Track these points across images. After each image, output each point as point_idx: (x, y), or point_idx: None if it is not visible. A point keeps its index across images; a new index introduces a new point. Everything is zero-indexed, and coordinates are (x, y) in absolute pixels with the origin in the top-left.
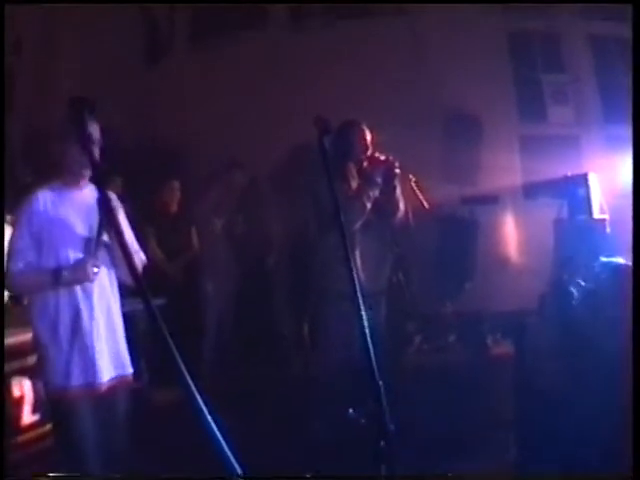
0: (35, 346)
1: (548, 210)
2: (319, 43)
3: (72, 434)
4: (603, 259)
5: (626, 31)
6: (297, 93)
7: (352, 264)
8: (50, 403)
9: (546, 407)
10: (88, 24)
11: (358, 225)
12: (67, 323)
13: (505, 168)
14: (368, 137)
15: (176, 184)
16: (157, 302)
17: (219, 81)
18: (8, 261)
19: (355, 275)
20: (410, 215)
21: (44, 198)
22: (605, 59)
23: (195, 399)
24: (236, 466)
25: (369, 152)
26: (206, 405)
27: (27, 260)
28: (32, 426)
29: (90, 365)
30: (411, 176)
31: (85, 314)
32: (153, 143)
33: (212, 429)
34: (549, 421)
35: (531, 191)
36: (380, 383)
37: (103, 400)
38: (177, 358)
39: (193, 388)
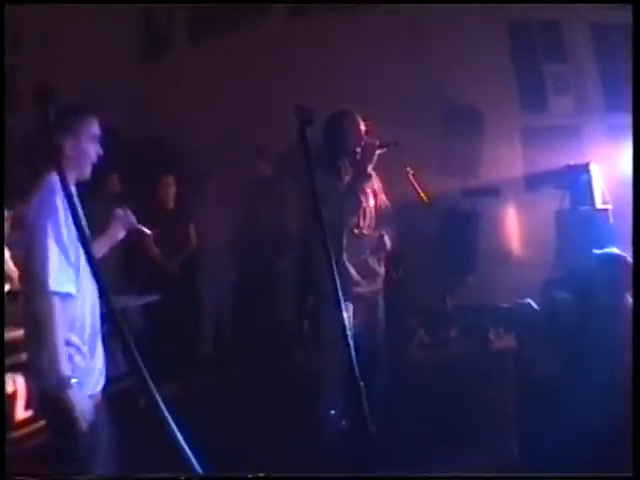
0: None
1: (550, 201)
2: (318, 35)
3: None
4: (596, 251)
5: (627, 18)
6: (296, 86)
7: (333, 263)
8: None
9: (548, 401)
10: (87, 20)
11: (354, 222)
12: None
13: (506, 160)
14: (361, 127)
15: (170, 179)
16: (151, 298)
17: (217, 76)
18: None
19: (336, 275)
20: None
21: (61, 198)
22: (606, 47)
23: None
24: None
25: (362, 142)
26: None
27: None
28: (25, 422)
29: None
30: (409, 168)
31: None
32: (150, 139)
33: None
34: (551, 415)
35: (533, 182)
36: (361, 384)
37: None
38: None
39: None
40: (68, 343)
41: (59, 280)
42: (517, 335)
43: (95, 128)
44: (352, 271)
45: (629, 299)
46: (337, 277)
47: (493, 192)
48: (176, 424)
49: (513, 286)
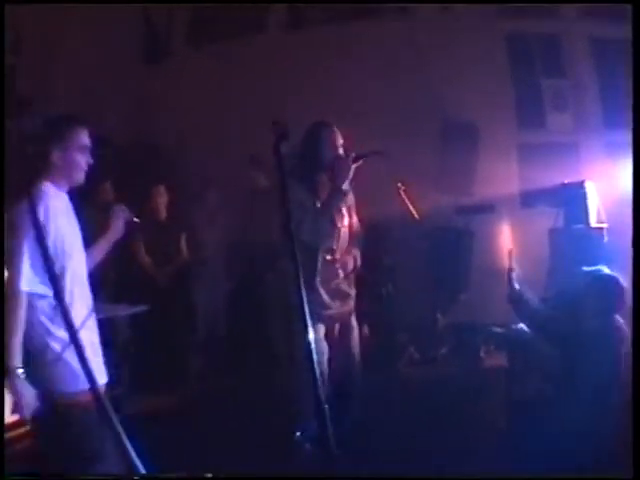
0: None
1: (545, 219)
2: (318, 48)
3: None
4: (586, 268)
5: (628, 33)
6: (294, 94)
7: (302, 285)
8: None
9: (539, 419)
10: (85, 26)
11: (328, 245)
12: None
13: (502, 177)
14: (339, 140)
15: (162, 189)
16: (140, 308)
17: (214, 82)
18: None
19: (305, 298)
20: (356, 223)
21: (46, 204)
22: (606, 63)
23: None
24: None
25: (338, 156)
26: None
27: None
28: (11, 426)
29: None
30: (400, 184)
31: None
32: (144, 146)
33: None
34: (542, 434)
35: (528, 200)
36: (326, 407)
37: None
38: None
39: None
40: (49, 333)
41: (31, 280)
42: (508, 353)
43: (84, 138)
44: (324, 295)
45: (619, 320)
46: (305, 300)
47: (487, 209)
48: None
49: (505, 304)
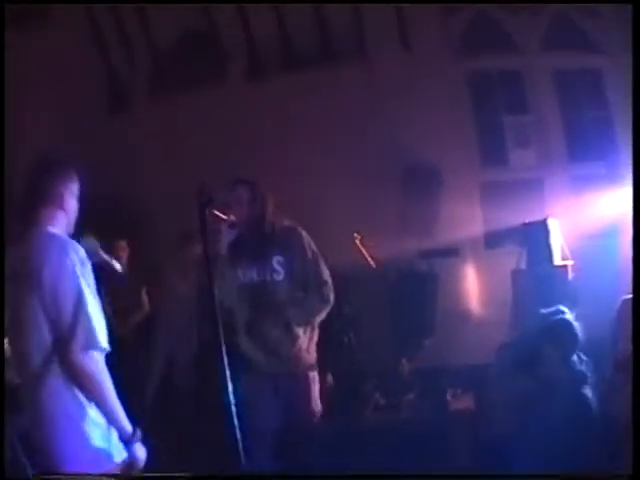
0: None
1: (510, 259)
2: (277, 94)
3: None
4: (544, 310)
5: (592, 62)
6: (252, 145)
7: (220, 338)
8: None
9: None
10: (48, 76)
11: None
12: None
13: (466, 218)
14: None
15: (123, 244)
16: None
17: (177, 137)
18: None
19: (224, 350)
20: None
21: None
22: (569, 95)
23: None
24: None
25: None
26: None
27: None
28: None
29: None
30: (356, 234)
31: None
32: (106, 199)
33: None
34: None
35: (492, 241)
36: None
37: None
38: None
39: None
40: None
41: (103, 334)
42: (475, 395)
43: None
44: (253, 353)
45: (578, 362)
46: (224, 353)
47: (452, 253)
48: None
49: (471, 346)
